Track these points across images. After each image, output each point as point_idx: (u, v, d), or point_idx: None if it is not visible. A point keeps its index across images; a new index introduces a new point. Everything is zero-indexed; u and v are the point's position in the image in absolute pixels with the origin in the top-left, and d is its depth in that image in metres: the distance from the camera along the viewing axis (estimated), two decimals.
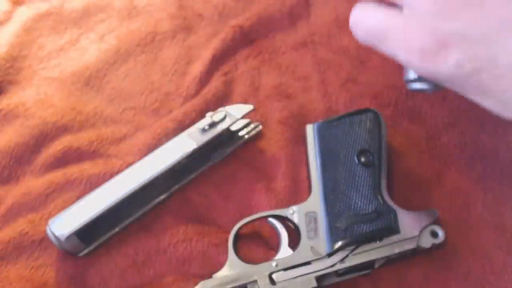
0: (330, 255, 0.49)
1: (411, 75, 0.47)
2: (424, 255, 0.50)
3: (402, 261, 0.50)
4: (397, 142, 0.57)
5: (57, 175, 0.57)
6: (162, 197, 0.55)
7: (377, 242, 0.49)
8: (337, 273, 0.49)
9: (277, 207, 0.53)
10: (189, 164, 0.56)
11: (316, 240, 0.49)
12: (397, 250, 0.48)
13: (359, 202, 0.50)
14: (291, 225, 0.51)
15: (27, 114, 0.62)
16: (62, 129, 0.61)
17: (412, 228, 0.49)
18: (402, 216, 0.49)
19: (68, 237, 0.50)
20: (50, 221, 0.51)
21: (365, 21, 0.41)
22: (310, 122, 0.56)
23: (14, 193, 0.57)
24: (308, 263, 0.49)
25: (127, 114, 0.62)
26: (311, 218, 0.51)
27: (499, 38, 0.35)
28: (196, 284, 0.48)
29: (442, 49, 0.37)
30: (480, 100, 0.39)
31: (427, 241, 0.49)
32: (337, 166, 0.52)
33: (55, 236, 0.50)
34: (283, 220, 0.52)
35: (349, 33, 0.67)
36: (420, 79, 0.46)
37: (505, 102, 0.37)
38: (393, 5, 0.39)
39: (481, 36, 0.35)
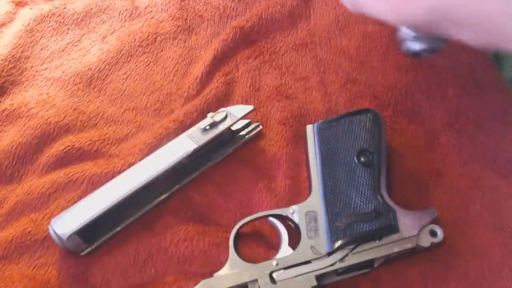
0: (330, 254, 0.49)
1: (405, 33, 0.50)
2: (423, 254, 0.50)
3: (402, 260, 0.50)
4: (397, 142, 0.57)
5: (59, 175, 0.57)
6: (163, 196, 0.55)
7: (377, 241, 0.49)
8: (337, 272, 0.49)
9: (277, 206, 0.54)
10: (190, 164, 0.56)
11: (316, 239, 0.50)
12: (396, 249, 0.49)
13: (359, 202, 0.50)
14: (291, 224, 0.52)
15: (29, 115, 0.63)
16: (64, 129, 0.61)
17: (411, 228, 0.49)
18: (401, 215, 0.49)
19: (70, 236, 0.50)
20: (52, 221, 0.52)
21: None
22: (310, 122, 0.57)
23: (16, 192, 0.57)
24: (308, 262, 0.49)
25: (128, 114, 0.63)
26: (311, 217, 0.51)
27: None
28: (197, 283, 0.48)
29: None
30: (456, 34, 0.42)
31: (426, 240, 0.49)
32: (337, 166, 0.52)
33: (58, 235, 0.50)
34: (284, 219, 0.52)
35: (349, 34, 0.68)
36: (415, 38, 0.49)
37: (476, 33, 0.40)
38: None
39: None
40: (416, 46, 0.50)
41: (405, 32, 0.51)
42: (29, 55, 0.68)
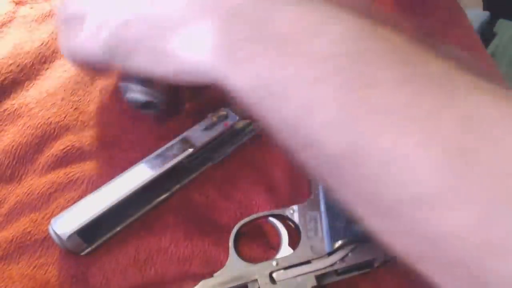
0: (330, 254, 0.49)
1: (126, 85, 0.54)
2: None
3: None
4: None
5: (59, 175, 0.57)
6: (163, 196, 0.56)
7: None
8: (337, 272, 0.49)
9: (277, 206, 0.54)
10: (190, 164, 0.56)
11: (316, 239, 0.50)
12: None
13: None
14: (291, 224, 0.52)
15: (30, 114, 0.63)
16: (64, 129, 0.61)
17: None
18: None
19: (70, 236, 0.50)
20: (52, 220, 0.52)
21: None
22: None
23: (16, 192, 0.57)
24: (308, 262, 0.49)
25: (128, 114, 0.63)
26: (311, 217, 0.51)
27: None
28: (197, 283, 0.48)
29: None
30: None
31: None
32: None
33: (57, 235, 0.50)
34: (284, 219, 0.52)
35: None
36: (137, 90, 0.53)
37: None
38: None
39: None
40: (139, 98, 0.52)
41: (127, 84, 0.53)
42: (30, 54, 0.68)
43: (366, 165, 0.31)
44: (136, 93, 0.52)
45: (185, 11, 0.39)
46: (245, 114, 0.57)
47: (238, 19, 0.36)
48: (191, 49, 0.39)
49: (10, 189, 0.58)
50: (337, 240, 0.49)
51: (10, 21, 0.72)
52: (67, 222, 0.51)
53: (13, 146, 0.60)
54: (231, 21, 0.36)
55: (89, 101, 0.64)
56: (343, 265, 0.49)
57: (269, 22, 0.35)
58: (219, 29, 0.37)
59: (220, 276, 0.49)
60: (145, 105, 0.53)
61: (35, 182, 0.57)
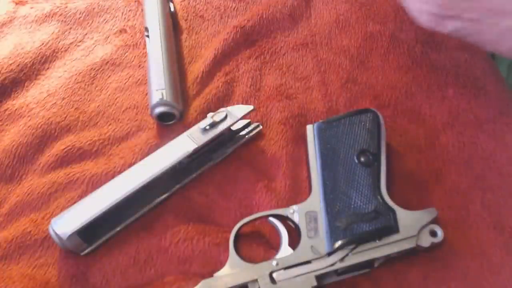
0: (330, 254, 0.49)
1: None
2: (423, 254, 0.50)
3: (402, 260, 0.50)
4: (397, 142, 0.57)
5: (59, 175, 0.57)
6: (163, 196, 0.55)
7: (377, 241, 0.49)
8: (337, 272, 0.49)
9: (277, 206, 0.54)
10: (190, 164, 0.56)
11: (316, 239, 0.50)
12: (396, 249, 0.49)
13: (359, 202, 0.50)
14: (291, 224, 0.52)
15: (31, 114, 0.63)
16: (65, 129, 0.62)
17: (411, 228, 0.49)
18: (401, 215, 0.49)
19: (70, 236, 0.50)
20: (52, 220, 0.52)
21: None
22: (310, 122, 0.57)
23: (17, 192, 0.57)
24: (308, 262, 0.49)
25: (129, 113, 0.63)
26: (311, 217, 0.51)
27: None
28: (197, 283, 0.48)
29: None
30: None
31: (426, 240, 0.49)
32: (337, 166, 0.52)
33: (57, 235, 0.50)
34: (284, 219, 0.52)
35: (349, 33, 0.68)
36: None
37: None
38: None
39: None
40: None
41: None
42: (31, 54, 0.68)
43: None
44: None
45: None
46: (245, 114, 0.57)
47: None
48: None
49: (10, 189, 0.58)
50: (337, 240, 0.49)
51: (10, 21, 0.72)
52: (67, 222, 0.51)
53: (13, 146, 0.60)
54: None
55: (89, 101, 0.64)
56: (343, 265, 0.48)
57: None
58: None
59: (220, 276, 0.49)
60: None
61: (35, 182, 0.58)
